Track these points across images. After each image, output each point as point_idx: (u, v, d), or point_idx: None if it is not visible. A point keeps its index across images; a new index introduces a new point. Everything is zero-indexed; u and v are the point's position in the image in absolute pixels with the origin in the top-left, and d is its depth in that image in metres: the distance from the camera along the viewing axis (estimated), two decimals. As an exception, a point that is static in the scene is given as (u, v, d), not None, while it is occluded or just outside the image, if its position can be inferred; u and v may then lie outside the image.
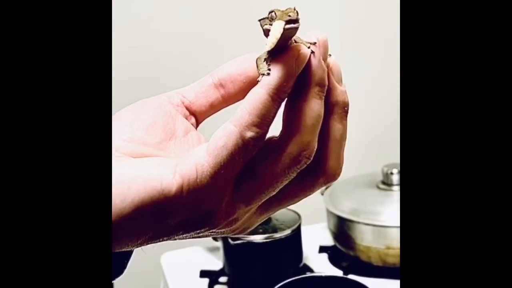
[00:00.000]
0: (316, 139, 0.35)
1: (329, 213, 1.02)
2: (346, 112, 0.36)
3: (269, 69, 0.34)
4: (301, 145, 0.34)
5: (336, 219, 1.00)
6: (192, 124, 0.41)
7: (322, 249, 1.05)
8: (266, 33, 0.34)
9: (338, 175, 0.37)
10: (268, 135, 0.35)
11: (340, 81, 0.36)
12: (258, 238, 0.92)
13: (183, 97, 0.41)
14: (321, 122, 0.35)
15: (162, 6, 1.13)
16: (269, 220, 0.95)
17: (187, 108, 0.41)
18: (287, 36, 0.33)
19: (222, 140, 0.33)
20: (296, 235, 0.95)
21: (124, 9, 1.09)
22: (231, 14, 1.15)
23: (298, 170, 0.35)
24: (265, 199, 0.35)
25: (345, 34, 1.22)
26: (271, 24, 0.33)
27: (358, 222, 0.96)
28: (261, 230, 0.94)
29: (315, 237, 1.08)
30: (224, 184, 0.34)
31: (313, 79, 0.34)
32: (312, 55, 0.34)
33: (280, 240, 0.93)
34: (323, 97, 0.35)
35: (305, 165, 0.35)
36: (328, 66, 0.35)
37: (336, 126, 0.36)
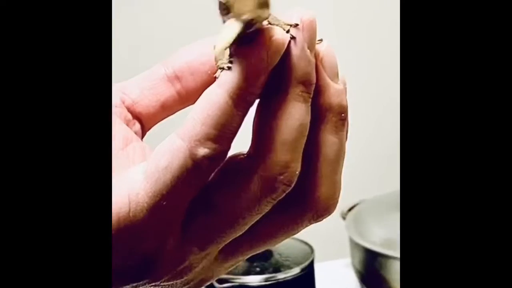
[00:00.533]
0: (300, 158, 0.35)
1: (354, 244, 1.02)
2: (343, 119, 0.36)
3: (231, 62, 0.34)
4: (277, 167, 0.34)
5: (363, 253, 1.00)
6: (135, 132, 0.41)
7: (344, 295, 1.06)
8: (221, 9, 0.33)
9: (334, 207, 0.37)
10: (232, 152, 0.35)
11: (335, 76, 0.36)
12: (254, 280, 0.93)
13: (124, 95, 0.42)
14: (306, 134, 0.35)
15: (164, 6, 1.19)
16: (269, 254, 0.96)
17: (129, 110, 0.41)
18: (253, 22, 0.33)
19: (164, 160, 0.34)
20: (308, 275, 0.95)
21: (124, 9, 1.16)
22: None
23: (275, 202, 0.35)
24: (229, 240, 0.36)
25: (340, 15, 1.24)
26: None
27: (394, 258, 0.96)
28: (258, 269, 0.94)
29: (334, 278, 1.09)
30: (169, 219, 0.34)
31: (294, 75, 0.34)
32: (292, 41, 0.34)
33: (285, 282, 0.93)
34: (309, 100, 0.35)
35: (284, 194, 0.35)
36: (317, 57, 0.35)
37: (329, 139, 0.36)
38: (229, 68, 0.34)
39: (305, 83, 0.34)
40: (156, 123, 0.42)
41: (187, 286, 0.37)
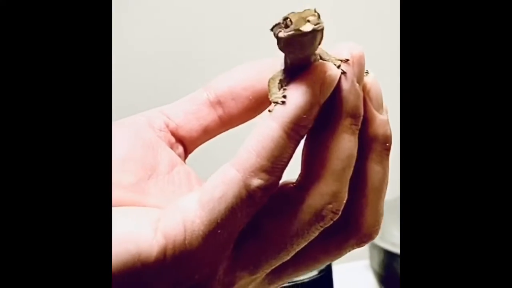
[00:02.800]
0: (347, 187, 0.38)
1: (373, 246, 1.04)
2: (388, 149, 0.40)
3: (285, 96, 0.37)
4: (325, 196, 0.38)
5: (382, 255, 1.02)
6: (179, 155, 0.45)
7: (363, 297, 1.08)
8: (282, 42, 0.37)
9: (376, 233, 0.41)
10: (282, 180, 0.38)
11: (380, 107, 0.40)
12: (270, 282, 0.94)
13: (168, 119, 0.45)
14: (353, 164, 0.38)
15: (164, 6, 1.21)
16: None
17: (172, 134, 0.45)
18: (306, 47, 0.37)
19: (219, 190, 0.37)
20: (325, 277, 0.96)
21: (124, 9, 1.17)
22: (239, 15, 1.22)
23: (322, 229, 0.38)
24: (277, 265, 0.39)
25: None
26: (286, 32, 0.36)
27: (415, 260, 0.97)
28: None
29: (353, 280, 1.10)
30: (222, 247, 0.37)
31: (344, 109, 0.38)
32: (343, 76, 0.38)
33: (303, 285, 0.93)
34: (357, 132, 0.38)
35: (331, 222, 0.38)
36: (364, 89, 0.39)
37: (374, 169, 0.40)
38: (283, 102, 0.37)
39: (354, 115, 0.38)
40: (198, 146, 0.45)
41: None
